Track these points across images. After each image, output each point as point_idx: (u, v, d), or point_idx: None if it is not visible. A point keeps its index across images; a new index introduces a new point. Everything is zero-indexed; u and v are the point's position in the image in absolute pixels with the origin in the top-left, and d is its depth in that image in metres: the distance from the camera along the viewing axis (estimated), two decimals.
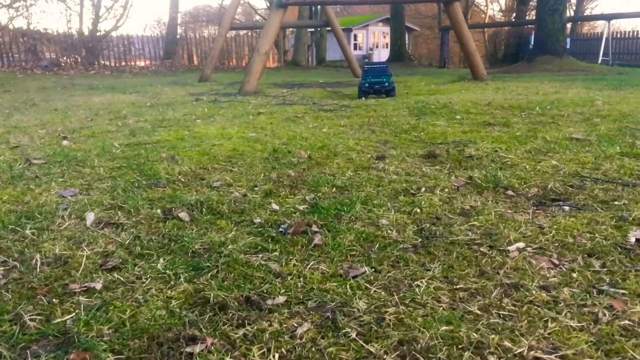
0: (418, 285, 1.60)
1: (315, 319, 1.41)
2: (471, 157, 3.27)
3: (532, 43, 16.09)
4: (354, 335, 1.33)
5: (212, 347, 1.28)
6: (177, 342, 1.30)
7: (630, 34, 19.14)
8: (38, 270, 1.71)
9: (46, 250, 1.86)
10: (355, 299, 1.52)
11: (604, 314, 1.41)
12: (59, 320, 1.41)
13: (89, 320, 1.40)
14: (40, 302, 1.50)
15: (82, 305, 1.48)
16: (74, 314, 1.44)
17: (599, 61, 16.30)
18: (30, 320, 1.40)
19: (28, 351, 1.28)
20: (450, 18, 9.69)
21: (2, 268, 1.72)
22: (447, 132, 4.21)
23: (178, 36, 22.76)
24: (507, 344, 1.29)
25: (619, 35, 19.36)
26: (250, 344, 1.30)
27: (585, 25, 27.66)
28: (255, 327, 1.37)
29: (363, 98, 7.27)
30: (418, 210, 2.28)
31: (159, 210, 2.29)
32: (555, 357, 1.24)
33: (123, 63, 19.44)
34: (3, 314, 1.43)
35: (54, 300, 1.51)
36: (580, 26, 25.76)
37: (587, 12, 28.14)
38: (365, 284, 1.61)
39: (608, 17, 17.39)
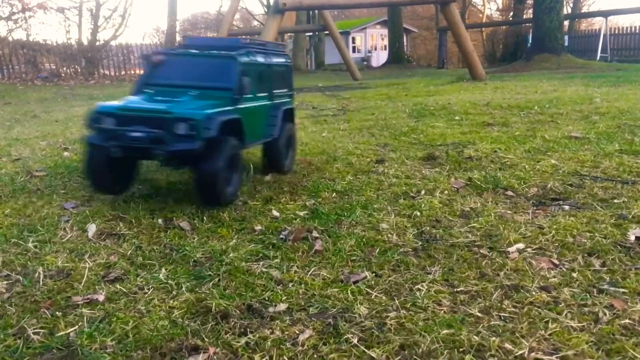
0: (419, 289, 1.60)
1: (317, 326, 1.42)
2: (470, 158, 3.28)
3: (530, 42, 16.11)
4: (355, 341, 1.34)
5: (215, 357, 1.29)
6: (179, 353, 1.31)
7: (628, 29, 19.14)
8: (41, 283, 1.72)
9: (49, 263, 1.87)
10: (357, 304, 1.53)
11: (604, 314, 1.42)
12: (62, 333, 1.42)
13: (92, 332, 1.41)
14: (43, 315, 1.51)
15: (85, 318, 1.49)
16: (77, 326, 1.45)
17: (598, 58, 16.31)
18: (34, 333, 1.41)
19: None
20: (447, 19, 9.70)
21: (6, 282, 1.73)
22: (447, 134, 4.22)
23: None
24: (508, 346, 1.29)
25: (616, 32, 19.36)
26: (253, 352, 1.31)
27: (583, 22, 27.65)
28: (257, 336, 1.37)
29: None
30: (418, 214, 2.29)
31: (160, 220, 2.30)
32: (556, 358, 1.25)
33: (123, 72, 19.49)
34: (7, 328, 1.44)
35: (57, 313, 1.52)
36: (578, 23, 25.77)
37: (584, 9, 28.13)
38: (366, 289, 1.62)
39: (605, 14, 17.43)
